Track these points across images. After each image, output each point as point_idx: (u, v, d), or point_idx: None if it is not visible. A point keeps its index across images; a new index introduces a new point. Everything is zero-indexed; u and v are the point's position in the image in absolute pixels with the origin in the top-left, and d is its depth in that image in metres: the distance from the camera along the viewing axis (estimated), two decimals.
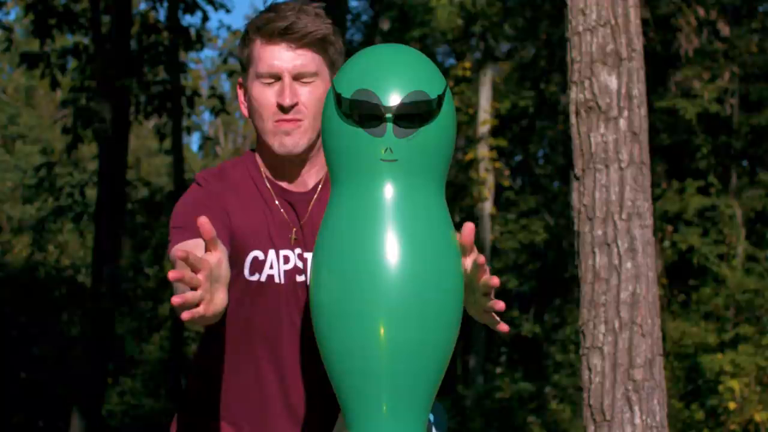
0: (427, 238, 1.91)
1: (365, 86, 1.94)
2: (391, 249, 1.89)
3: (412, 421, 1.91)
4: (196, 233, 2.24)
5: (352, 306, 1.89)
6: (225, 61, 18.18)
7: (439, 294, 1.89)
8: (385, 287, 1.87)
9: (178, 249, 1.81)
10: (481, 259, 1.87)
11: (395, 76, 1.95)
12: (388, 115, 1.92)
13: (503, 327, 1.92)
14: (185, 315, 1.83)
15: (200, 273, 1.84)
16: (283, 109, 2.31)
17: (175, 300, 1.80)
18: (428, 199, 1.95)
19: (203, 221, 1.84)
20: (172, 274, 1.78)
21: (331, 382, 1.98)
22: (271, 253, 2.34)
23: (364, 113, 1.93)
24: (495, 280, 1.87)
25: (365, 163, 1.94)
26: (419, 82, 1.95)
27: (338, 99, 1.96)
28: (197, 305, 1.85)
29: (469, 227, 1.89)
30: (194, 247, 2.20)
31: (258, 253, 2.33)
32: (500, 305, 1.88)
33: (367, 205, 1.93)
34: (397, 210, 1.92)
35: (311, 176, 2.40)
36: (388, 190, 1.93)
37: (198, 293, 1.84)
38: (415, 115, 1.94)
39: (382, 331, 1.86)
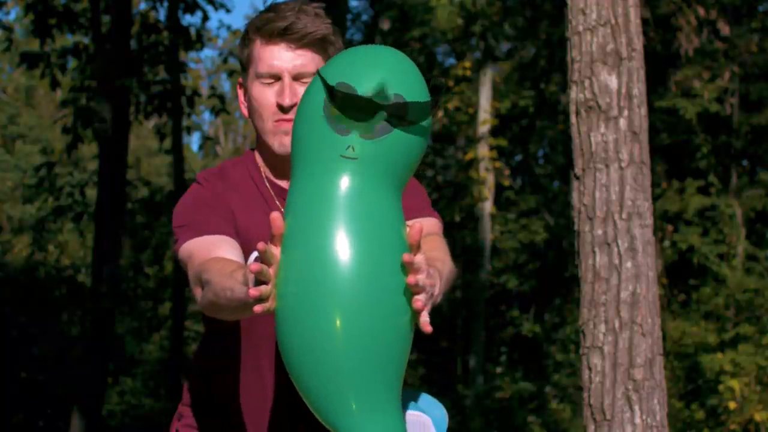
0: (376, 237, 1.90)
1: (350, 82, 1.93)
2: (341, 244, 1.88)
3: (386, 411, 1.91)
4: (202, 231, 2.25)
5: (304, 302, 1.88)
6: (225, 61, 18.17)
7: (388, 290, 1.89)
8: (334, 283, 1.87)
9: (260, 243, 1.82)
10: (406, 257, 1.86)
11: (382, 77, 1.94)
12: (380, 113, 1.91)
13: (426, 327, 1.90)
14: (258, 308, 1.84)
15: (270, 268, 1.85)
16: (283, 109, 2.31)
17: (254, 293, 1.81)
18: (382, 200, 1.93)
19: (275, 216, 1.84)
20: (254, 267, 1.80)
21: (294, 382, 1.96)
22: None
23: (350, 108, 1.92)
24: (410, 279, 1.85)
25: (325, 157, 1.93)
26: (403, 86, 1.94)
27: (329, 90, 1.95)
28: (266, 299, 1.86)
29: (416, 227, 1.87)
30: (208, 245, 2.20)
31: None
32: (417, 304, 1.87)
33: (320, 200, 1.92)
34: (348, 207, 1.91)
35: None
36: (342, 186, 1.91)
37: (269, 287, 1.85)
38: (393, 117, 1.93)
39: (336, 325, 1.86)
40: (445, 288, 2.06)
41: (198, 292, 2.16)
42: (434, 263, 1.99)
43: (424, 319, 1.87)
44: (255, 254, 2.32)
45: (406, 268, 1.86)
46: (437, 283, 1.93)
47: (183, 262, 2.27)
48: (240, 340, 2.37)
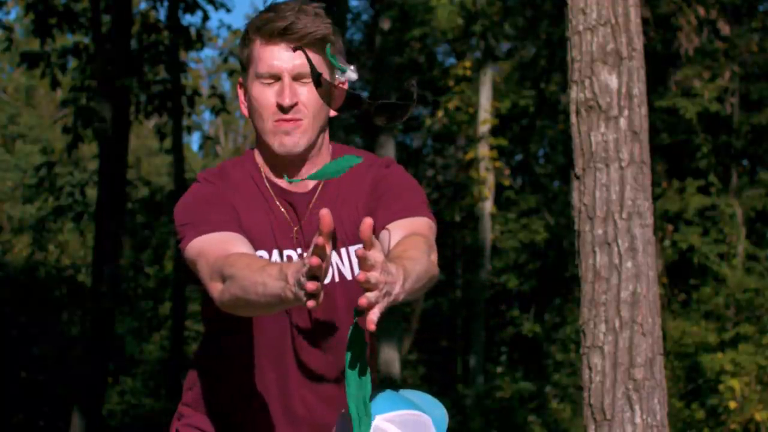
0: None
1: None
2: None
3: None
4: (211, 229, 2.24)
5: None
6: (225, 61, 18.20)
7: None
8: None
9: (319, 238, 1.81)
10: (358, 252, 1.83)
11: None
12: None
13: (370, 326, 1.89)
14: (312, 303, 1.85)
15: (323, 263, 1.86)
16: (283, 109, 2.30)
17: (311, 287, 1.82)
18: None
19: (325, 213, 1.83)
20: (315, 260, 1.80)
21: None
22: (275, 253, 2.33)
23: None
24: (360, 276, 1.84)
25: None
26: None
27: None
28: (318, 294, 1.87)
29: (366, 222, 1.84)
30: (221, 241, 2.19)
31: (263, 253, 2.32)
32: (361, 301, 1.86)
33: None
34: None
35: None
36: None
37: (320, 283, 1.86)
38: None
39: None
40: (415, 287, 2.03)
41: (216, 288, 2.15)
42: (400, 261, 1.97)
43: (371, 317, 1.85)
44: (257, 255, 2.32)
45: (359, 263, 1.85)
46: (397, 281, 1.90)
47: (191, 259, 2.26)
48: (241, 339, 2.37)
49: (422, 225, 2.30)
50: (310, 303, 1.84)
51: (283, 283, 1.92)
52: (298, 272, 1.87)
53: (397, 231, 2.25)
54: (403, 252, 2.07)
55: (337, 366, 2.36)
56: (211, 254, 2.19)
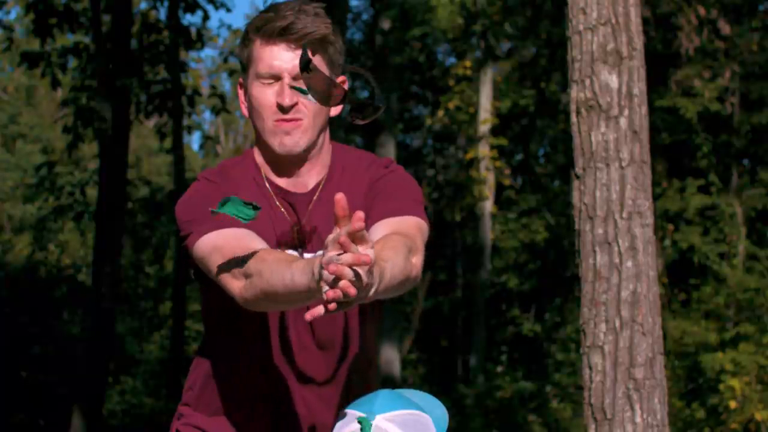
0: None
1: None
2: None
3: None
4: (223, 224, 2.23)
5: None
6: (225, 60, 18.22)
7: None
8: None
9: (355, 224, 1.82)
10: (357, 224, 1.82)
11: None
12: None
13: (307, 316, 1.89)
14: (334, 292, 1.86)
15: None
16: (283, 109, 2.30)
17: (333, 269, 1.84)
18: None
19: (341, 197, 1.84)
20: (368, 258, 1.82)
21: None
22: None
23: None
24: (332, 268, 1.84)
25: None
26: None
27: None
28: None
29: (335, 198, 1.85)
30: (237, 237, 2.19)
31: None
32: (333, 293, 1.85)
33: None
34: None
35: (312, 176, 2.39)
36: None
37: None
38: None
39: None
40: (390, 286, 2.02)
41: (236, 284, 2.15)
42: (378, 262, 1.96)
43: (318, 310, 1.86)
44: None
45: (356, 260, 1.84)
46: (374, 283, 1.92)
47: (202, 255, 2.24)
48: (241, 339, 2.37)
49: (410, 225, 2.28)
50: (331, 293, 1.84)
51: (309, 276, 1.93)
52: (319, 264, 1.88)
53: (380, 229, 2.23)
54: (377, 252, 2.06)
55: (335, 365, 2.36)
56: (227, 250, 2.18)
